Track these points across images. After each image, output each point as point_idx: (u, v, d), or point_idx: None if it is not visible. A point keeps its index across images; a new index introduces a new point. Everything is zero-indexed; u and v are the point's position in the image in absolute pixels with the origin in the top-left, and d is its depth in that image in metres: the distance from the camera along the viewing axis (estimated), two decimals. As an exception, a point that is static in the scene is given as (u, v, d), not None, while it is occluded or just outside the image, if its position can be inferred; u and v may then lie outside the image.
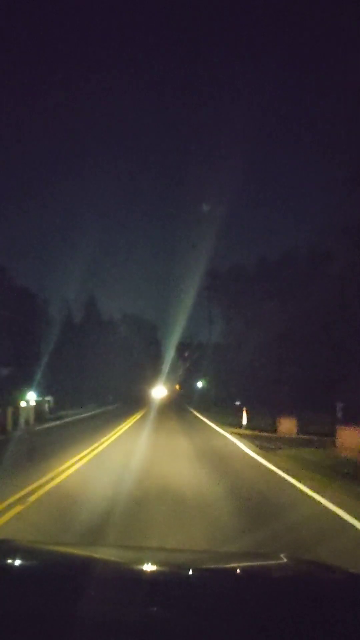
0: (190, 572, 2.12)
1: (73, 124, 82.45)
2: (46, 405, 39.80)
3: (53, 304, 48.41)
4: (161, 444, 14.89)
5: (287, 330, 38.04)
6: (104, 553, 2.68)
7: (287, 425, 17.80)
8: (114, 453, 12.72)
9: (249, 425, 19.50)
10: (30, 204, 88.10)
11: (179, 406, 45.24)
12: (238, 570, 2.21)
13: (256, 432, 17.94)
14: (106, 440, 15.64)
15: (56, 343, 43.74)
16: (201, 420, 26.15)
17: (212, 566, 2.31)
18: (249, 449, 13.73)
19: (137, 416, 30.43)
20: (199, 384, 59.37)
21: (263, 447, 13.83)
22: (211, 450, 13.46)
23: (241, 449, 14.00)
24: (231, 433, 17.56)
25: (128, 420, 25.28)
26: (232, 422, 21.45)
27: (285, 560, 2.39)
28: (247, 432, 18.29)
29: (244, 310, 45.29)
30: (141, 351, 74.29)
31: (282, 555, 2.51)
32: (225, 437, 17.00)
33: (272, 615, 1.50)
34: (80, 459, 11.29)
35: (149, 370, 75.67)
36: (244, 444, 14.83)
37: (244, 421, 19.61)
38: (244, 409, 19.82)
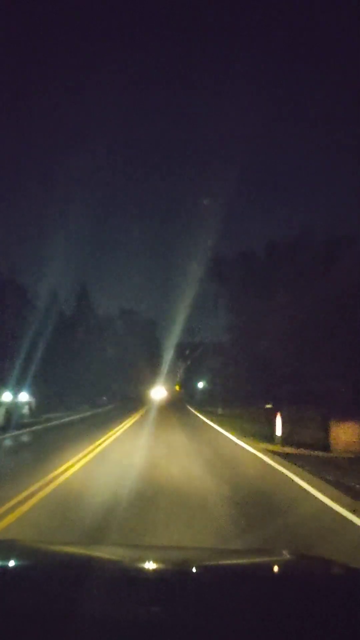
0: (193, 569, 2.13)
1: (67, 108, 76.86)
2: (26, 407, 34.33)
3: (41, 296, 42.72)
4: (159, 475, 8.80)
5: (307, 320, 32.82)
6: (106, 552, 2.70)
7: (346, 437, 12.11)
8: (80, 495, 7.06)
9: (286, 438, 13.75)
10: (21, 189, 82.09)
11: (181, 408, 39.52)
12: (240, 567, 2.22)
13: (302, 451, 12.25)
14: (75, 462, 10.03)
15: (42, 337, 38.16)
16: (214, 428, 20.26)
17: (215, 563, 2.31)
18: (326, 495, 7.09)
19: (131, 421, 24.88)
20: (200, 384, 55.73)
21: (344, 487, 7.61)
22: (253, 495, 7.24)
23: (311, 494, 7.30)
24: (266, 452, 11.89)
25: (119, 427, 19.92)
26: (258, 432, 15.80)
27: (287, 556, 2.44)
28: (289, 449, 12.58)
29: (256, 299, 39.73)
30: (139, 349, 68.62)
31: (284, 552, 2.59)
32: (262, 460, 10.82)
33: (275, 611, 1.53)
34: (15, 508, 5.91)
35: (147, 369, 70.61)
36: (305, 478, 8.39)
37: (278, 431, 13.88)
38: (277, 413, 14.07)
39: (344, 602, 1.64)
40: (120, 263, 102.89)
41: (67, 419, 30.85)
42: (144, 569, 2.12)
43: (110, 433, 16.98)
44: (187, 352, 70.31)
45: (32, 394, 37.28)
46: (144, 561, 2.28)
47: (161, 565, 2.21)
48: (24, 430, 21.63)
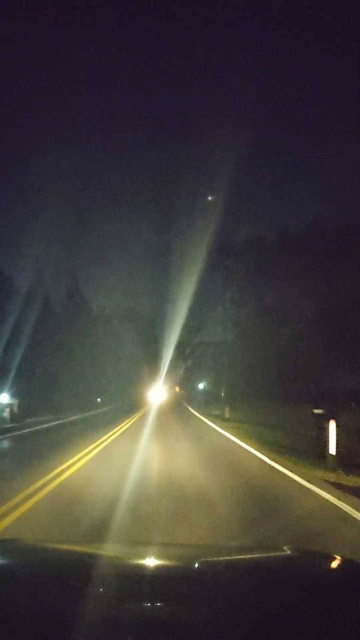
0: (195, 566, 2.16)
1: (65, 93, 72.36)
2: (7, 411, 30.01)
3: (27, 285, 38.28)
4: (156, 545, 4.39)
5: (331, 308, 28.69)
6: (108, 550, 2.88)
7: None
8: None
9: (344, 458, 9.34)
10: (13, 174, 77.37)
11: (183, 411, 35.29)
12: (242, 563, 2.22)
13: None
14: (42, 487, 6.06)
15: (26, 330, 33.86)
16: (230, 441, 14.58)
17: (216, 560, 2.33)
18: None
19: (123, 427, 20.67)
20: (201, 385, 52.43)
21: None
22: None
23: None
24: (331, 486, 7.49)
25: (107, 436, 15.80)
26: (291, 447, 11.48)
27: (288, 552, 2.42)
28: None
29: (267, 289, 35.59)
30: (137, 348, 64.25)
31: (285, 547, 2.58)
32: (335, 508, 6.18)
33: (276, 606, 1.55)
34: None
35: (146, 369, 66.34)
36: None
37: (332, 448, 9.54)
38: (330, 420, 9.71)
39: (345, 595, 1.66)
40: (118, 257, 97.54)
41: (56, 423, 26.96)
42: (146, 566, 2.11)
43: (92, 447, 12.63)
44: (188, 351, 66.04)
45: (14, 395, 33.02)
46: (145, 558, 2.30)
47: (163, 562, 2.22)
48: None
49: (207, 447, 13.37)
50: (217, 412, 29.86)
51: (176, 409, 37.66)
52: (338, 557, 2.44)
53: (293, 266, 35.30)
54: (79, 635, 1.29)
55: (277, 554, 2.45)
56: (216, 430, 18.88)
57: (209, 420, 24.72)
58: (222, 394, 35.89)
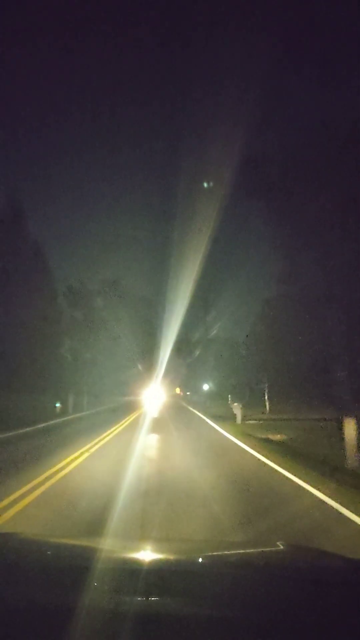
0: (192, 561, 2.15)
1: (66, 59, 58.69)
2: None
3: None
4: None
5: None
6: (106, 544, 2.82)
7: None
8: None
9: None
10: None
11: (192, 422, 21.68)
12: (237, 559, 2.24)
13: None
14: None
15: None
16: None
17: (213, 554, 2.34)
18: None
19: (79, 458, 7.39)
20: (205, 386, 45.01)
21: None
22: None
23: None
24: None
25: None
26: None
27: (282, 547, 2.42)
28: None
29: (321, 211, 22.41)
30: (128, 335, 50.85)
31: (279, 543, 2.51)
32: None
33: (271, 602, 1.56)
34: None
35: (139, 365, 53.38)
36: None
37: None
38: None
39: (339, 591, 1.68)
40: (105, 218, 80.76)
41: None
42: (143, 560, 2.12)
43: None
44: (194, 340, 53.35)
45: None
46: (143, 553, 2.29)
47: (160, 557, 2.25)
48: None
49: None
50: (234, 423, 16.64)
51: (182, 418, 24.40)
52: (332, 553, 2.50)
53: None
54: (78, 629, 1.30)
55: (272, 549, 2.48)
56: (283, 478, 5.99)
57: (247, 445, 11.54)
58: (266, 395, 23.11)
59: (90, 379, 37.78)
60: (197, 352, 53.95)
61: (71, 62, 60.55)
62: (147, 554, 2.27)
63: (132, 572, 1.84)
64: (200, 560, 2.17)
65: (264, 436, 14.33)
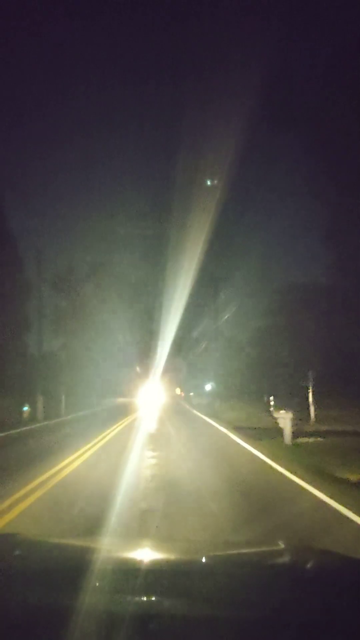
0: (192, 561, 2.14)
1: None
2: None
3: None
4: None
5: None
6: (106, 545, 2.75)
7: None
8: None
9: None
10: None
11: (222, 447, 13.71)
12: (237, 558, 2.22)
13: None
14: None
15: None
16: None
17: (213, 554, 2.31)
18: None
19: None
20: (208, 387, 40.37)
21: None
22: None
23: None
24: None
25: None
26: None
27: (282, 546, 2.43)
28: None
29: None
30: (123, 329, 43.76)
31: (279, 542, 2.60)
32: None
33: (272, 601, 1.54)
34: None
35: (135, 361, 46.37)
36: None
37: None
38: None
39: (339, 590, 1.66)
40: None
41: None
42: (143, 560, 2.09)
43: None
44: (199, 333, 46.35)
45: None
46: (143, 553, 2.28)
47: (161, 557, 2.24)
48: None
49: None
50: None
51: (194, 434, 16.74)
52: (334, 553, 2.46)
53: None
54: (78, 629, 1.28)
55: (273, 548, 2.47)
56: None
57: None
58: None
59: (71, 378, 30.34)
60: (201, 347, 46.75)
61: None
62: (147, 554, 2.25)
63: (132, 572, 1.83)
64: (200, 560, 2.17)
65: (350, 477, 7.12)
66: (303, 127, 20.66)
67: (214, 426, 18.25)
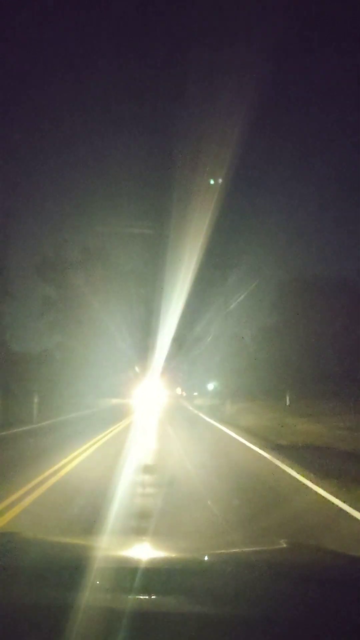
0: (193, 559, 2.12)
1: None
2: None
3: None
4: None
5: None
6: (105, 543, 2.76)
7: None
8: None
9: None
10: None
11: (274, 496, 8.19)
12: (238, 556, 2.18)
13: None
14: None
15: None
16: None
17: (213, 553, 2.29)
18: None
19: None
20: (211, 386, 40.00)
21: None
22: None
23: None
24: None
25: None
26: None
27: (285, 545, 2.40)
28: None
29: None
30: (118, 323, 38.75)
31: (282, 541, 2.52)
32: None
33: (274, 600, 1.52)
34: None
35: (132, 359, 41.43)
36: None
37: None
38: None
39: (342, 589, 1.65)
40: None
41: None
42: (144, 558, 2.07)
43: None
44: (200, 328, 41.41)
45: None
46: (143, 551, 2.25)
47: (161, 555, 2.22)
48: None
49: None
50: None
51: (218, 463, 11.14)
52: (335, 552, 2.51)
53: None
54: (78, 627, 1.27)
55: (274, 547, 2.44)
56: None
57: None
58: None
59: (52, 375, 25.01)
60: (205, 342, 41.69)
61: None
62: (148, 552, 2.23)
63: (132, 570, 1.77)
64: (201, 558, 2.15)
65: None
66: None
67: (244, 445, 12.29)
